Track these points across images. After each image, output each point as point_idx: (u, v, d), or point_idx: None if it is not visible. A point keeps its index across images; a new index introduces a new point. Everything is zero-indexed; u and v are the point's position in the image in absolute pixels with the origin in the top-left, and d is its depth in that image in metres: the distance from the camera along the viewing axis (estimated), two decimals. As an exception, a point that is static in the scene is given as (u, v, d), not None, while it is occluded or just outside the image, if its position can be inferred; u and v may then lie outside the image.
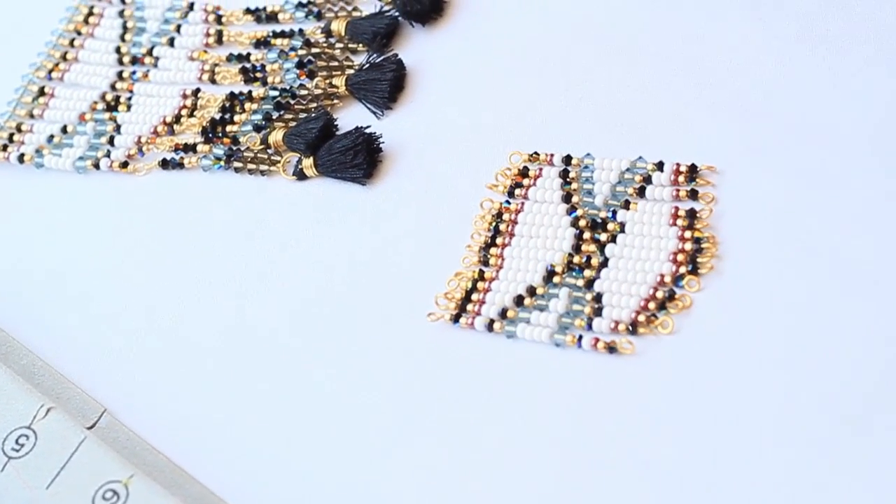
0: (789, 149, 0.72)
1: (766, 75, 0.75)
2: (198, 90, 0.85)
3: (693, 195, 0.72)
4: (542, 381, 0.68)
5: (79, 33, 0.90)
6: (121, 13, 0.90)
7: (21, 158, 0.85)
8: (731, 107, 0.74)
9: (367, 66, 0.82)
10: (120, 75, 0.87)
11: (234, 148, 0.81)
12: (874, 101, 0.72)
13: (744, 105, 0.74)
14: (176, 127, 0.84)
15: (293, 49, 0.84)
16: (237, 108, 0.83)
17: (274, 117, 0.82)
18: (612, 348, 0.68)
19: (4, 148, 0.85)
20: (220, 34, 0.87)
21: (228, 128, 0.82)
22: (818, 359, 0.64)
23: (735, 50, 0.76)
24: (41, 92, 0.87)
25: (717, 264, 0.69)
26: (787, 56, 0.75)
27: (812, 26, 0.76)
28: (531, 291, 0.71)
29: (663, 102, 0.76)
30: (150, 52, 0.87)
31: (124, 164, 0.83)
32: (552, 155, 0.76)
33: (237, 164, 0.81)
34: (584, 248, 0.72)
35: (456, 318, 0.71)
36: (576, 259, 0.72)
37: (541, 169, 0.76)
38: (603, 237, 0.72)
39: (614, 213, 0.73)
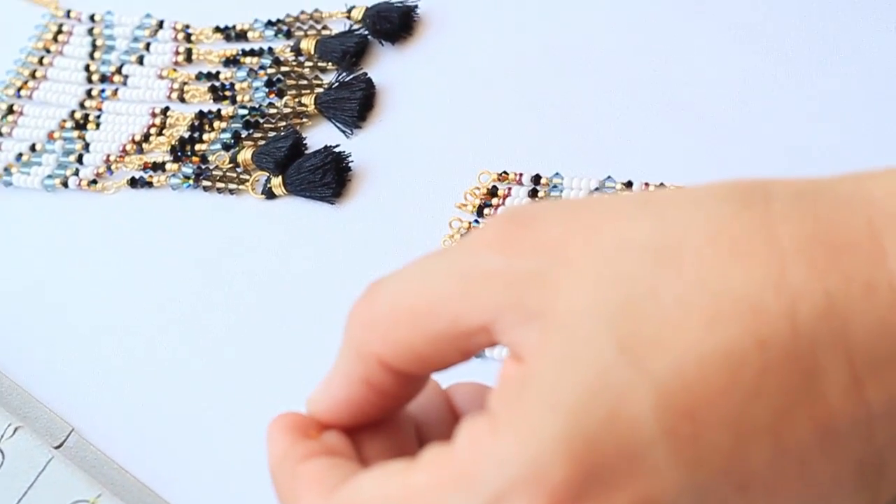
0: (758, 170, 0.72)
1: (735, 97, 0.75)
2: (167, 108, 0.85)
3: (661, 214, 0.72)
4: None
5: (48, 51, 0.90)
6: (90, 31, 0.90)
7: (-11, 176, 0.84)
8: (700, 126, 0.75)
9: (337, 84, 0.82)
10: (89, 93, 0.87)
11: (203, 167, 0.81)
12: (844, 122, 0.72)
13: (712, 125, 0.74)
14: (145, 146, 0.84)
15: (262, 67, 0.84)
16: (206, 127, 0.83)
17: (243, 136, 0.82)
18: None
19: (-28, 166, 0.85)
20: (189, 52, 0.87)
21: (197, 146, 0.82)
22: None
23: (703, 71, 0.77)
24: (10, 110, 0.87)
25: (685, 283, 0.69)
26: (756, 77, 0.76)
27: (779, 46, 0.76)
28: (500, 310, 0.71)
29: (632, 122, 0.76)
30: (119, 71, 0.87)
31: (93, 183, 0.83)
32: (521, 174, 0.76)
33: (206, 183, 0.81)
34: (552, 267, 0.72)
35: (425, 338, 0.71)
36: (544, 278, 0.72)
37: (510, 188, 0.76)
38: (571, 256, 0.72)
39: (583, 232, 0.73)
